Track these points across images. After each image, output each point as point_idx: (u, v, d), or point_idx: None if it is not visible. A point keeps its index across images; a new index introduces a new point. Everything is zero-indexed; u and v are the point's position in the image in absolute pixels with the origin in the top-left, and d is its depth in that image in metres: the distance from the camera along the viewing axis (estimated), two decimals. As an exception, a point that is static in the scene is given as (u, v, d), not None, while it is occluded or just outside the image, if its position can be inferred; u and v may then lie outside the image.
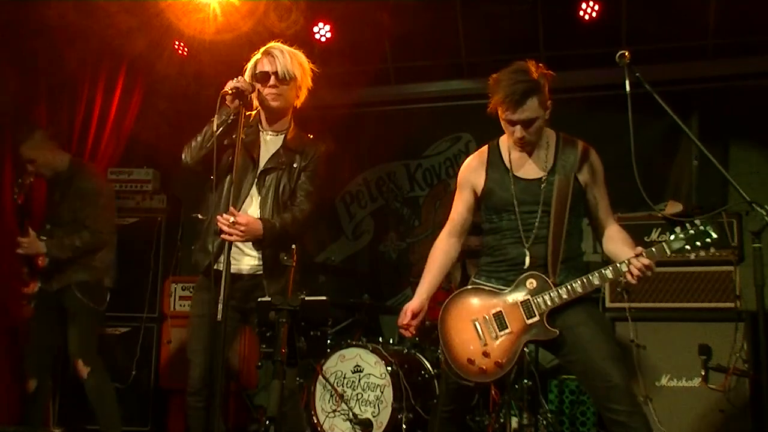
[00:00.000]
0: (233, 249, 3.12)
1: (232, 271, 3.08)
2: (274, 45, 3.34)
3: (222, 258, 3.08)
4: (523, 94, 2.86)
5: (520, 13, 5.51)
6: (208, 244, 3.24)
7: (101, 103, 5.43)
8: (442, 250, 3.21)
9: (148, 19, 4.96)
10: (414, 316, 3.14)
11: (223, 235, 3.07)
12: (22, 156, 4.37)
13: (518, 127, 2.94)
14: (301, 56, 3.36)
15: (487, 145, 3.20)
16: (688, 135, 3.07)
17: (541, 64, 2.98)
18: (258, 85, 3.26)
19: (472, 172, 3.15)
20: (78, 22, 4.70)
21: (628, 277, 2.86)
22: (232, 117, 3.18)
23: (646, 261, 2.83)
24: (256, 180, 3.30)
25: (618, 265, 2.90)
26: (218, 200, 3.27)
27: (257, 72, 3.28)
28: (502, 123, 3.01)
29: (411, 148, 6.37)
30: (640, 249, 2.87)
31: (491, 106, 2.99)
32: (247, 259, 3.26)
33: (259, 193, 3.29)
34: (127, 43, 5.06)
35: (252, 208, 3.28)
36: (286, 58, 3.27)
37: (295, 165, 3.33)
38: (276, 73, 3.25)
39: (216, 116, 3.18)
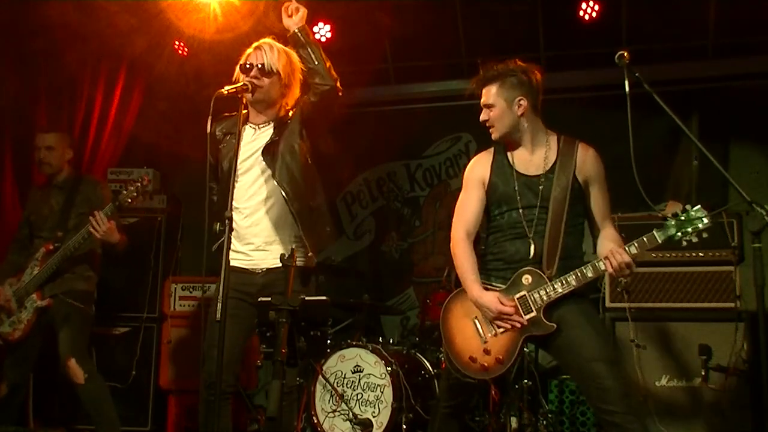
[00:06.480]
0: (252, 246, 3.27)
1: (248, 267, 3.29)
2: (266, 40, 3.35)
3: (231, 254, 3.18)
4: (484, 80, 3.18)
5: (520, 13, 5.50)
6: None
7: (101, 103, 5.43)
8: (469, 249, 3.16)
9: (148, 19, 4.96)
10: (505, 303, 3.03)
11: None
12: (44, 141, 4.33)
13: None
14: (292, 55, 3.35)
15: (493, 147, 3.26)
16: (688, 135, 3.08)
17: (524, 64, 3.13)
18: (242, 76, 3.27)
19: (481, 167, 3.22)
20: (78, 22, 4.71)
21: (607, 266, 2.91)
22: None
23: (625, 258, 2.88)
24: (261, 165, 3.31)
25: None
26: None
27: (243, 63, 3.30)
28: None
29: (411, 148, 6.36)
30: (623, 247, 2.93)
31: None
32: (262, 255, 3.29)
33: (272, 174, 3.29)
34: (127, 43, 5.06)
35: (260, 196, 3.31)
36: (273, 54, 3.28)
37: (289, 127, 3.35)
38: (259, 66, 3.26)
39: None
